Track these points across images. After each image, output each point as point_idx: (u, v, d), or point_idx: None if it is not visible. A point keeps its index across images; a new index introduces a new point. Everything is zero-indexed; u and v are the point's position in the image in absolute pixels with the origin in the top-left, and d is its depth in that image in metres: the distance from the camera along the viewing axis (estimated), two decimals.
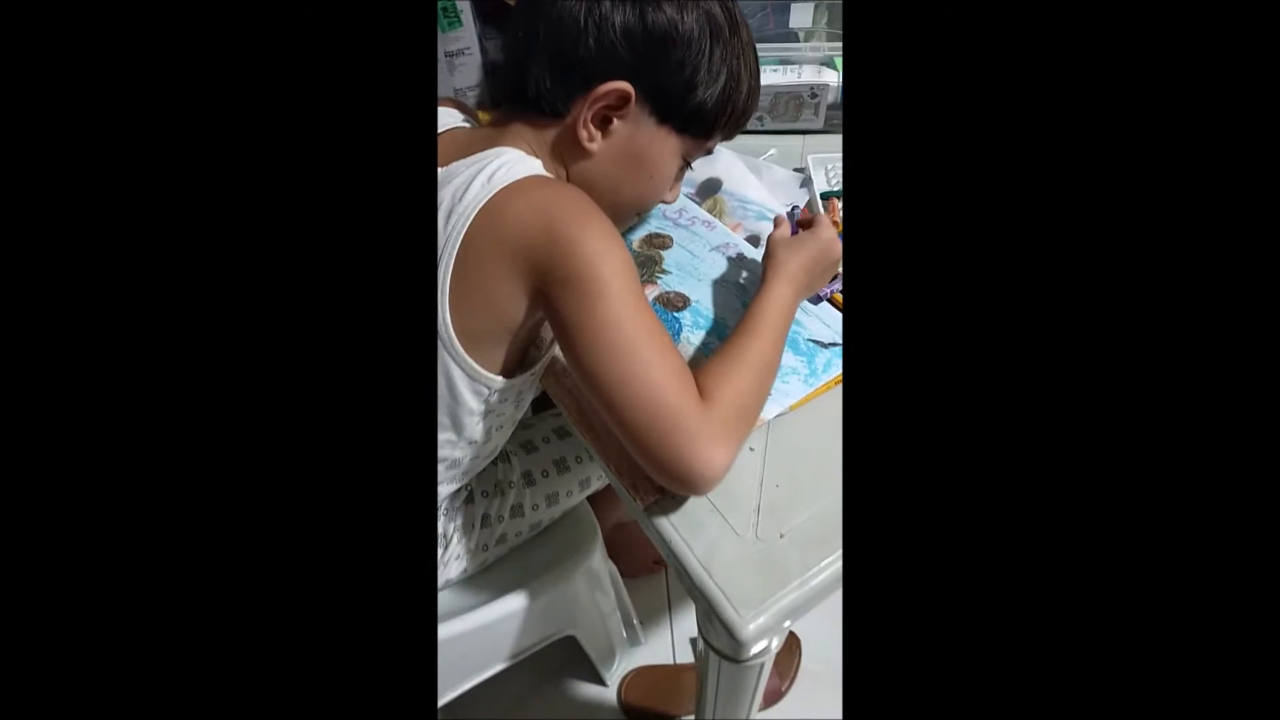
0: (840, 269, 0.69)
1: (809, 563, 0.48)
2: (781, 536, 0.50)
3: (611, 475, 0.55)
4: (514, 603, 0.70)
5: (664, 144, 0.56)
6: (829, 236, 0.61)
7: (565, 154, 0.56)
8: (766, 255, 0.61)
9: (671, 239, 0.73)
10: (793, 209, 0.75)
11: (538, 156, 0.55)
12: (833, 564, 0.48)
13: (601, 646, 0.94)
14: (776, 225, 0.63)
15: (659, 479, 0.48)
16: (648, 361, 0.46)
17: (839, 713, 0.87)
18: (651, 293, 0.67)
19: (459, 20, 1.57)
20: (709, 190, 0.79)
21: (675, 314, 0.65)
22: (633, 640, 1.01)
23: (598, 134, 0.54)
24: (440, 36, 1.50)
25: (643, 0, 0.51)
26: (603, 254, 0.47)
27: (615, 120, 0.54)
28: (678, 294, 0.67)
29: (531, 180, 0.50)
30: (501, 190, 0.48)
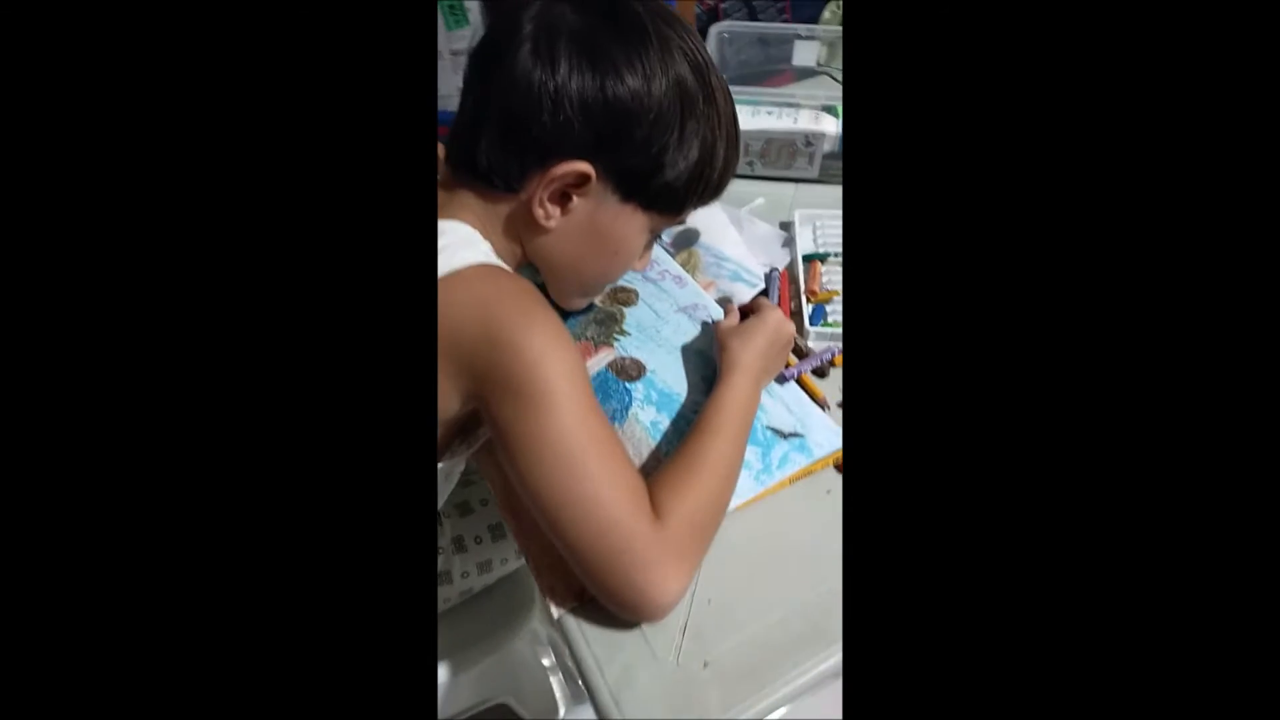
0: (837, 344, 0.63)
1: (729, 701, 0.43)
2: (705, 665, 0.45)
3: (531, 571, 0.50)
4: (438, 675, 0.65)
5: (630, 221, 0.51)
6: (776, 319, 0.57)
7: (521, 230, 0.51)
8: (718, 348, 0.56)
9: (637, 294, 0.67)
10: (771, 271, 0.70)
11: (487, 231, 0.50)
12: (754, 704, 0.43)
13: (545, 705, 0.89)
14: (726, 314, 0.59)
15: (609, 605, 0.44)
16: (596, 478, 0.42)
17: None
18: (606, 356, 0.62)
19: (465, 19, 1.52)
20: (685, 241, 0.73)
21: (628, 384, 0.60)
22: (578, 696, 0.96)
23: (555, 211, 0.49)
24: (445, 35, 1.46)
25: (604, 69, 0.45)
26: (547, 358, 0.42)
27: (575, 197, 0.49)
28: (634, 361, 0.61)
29: (473, 271, 0.45)
30: (440, 279, 0.43)
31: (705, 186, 0.52)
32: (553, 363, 0.42)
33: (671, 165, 0.49)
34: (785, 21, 1.47)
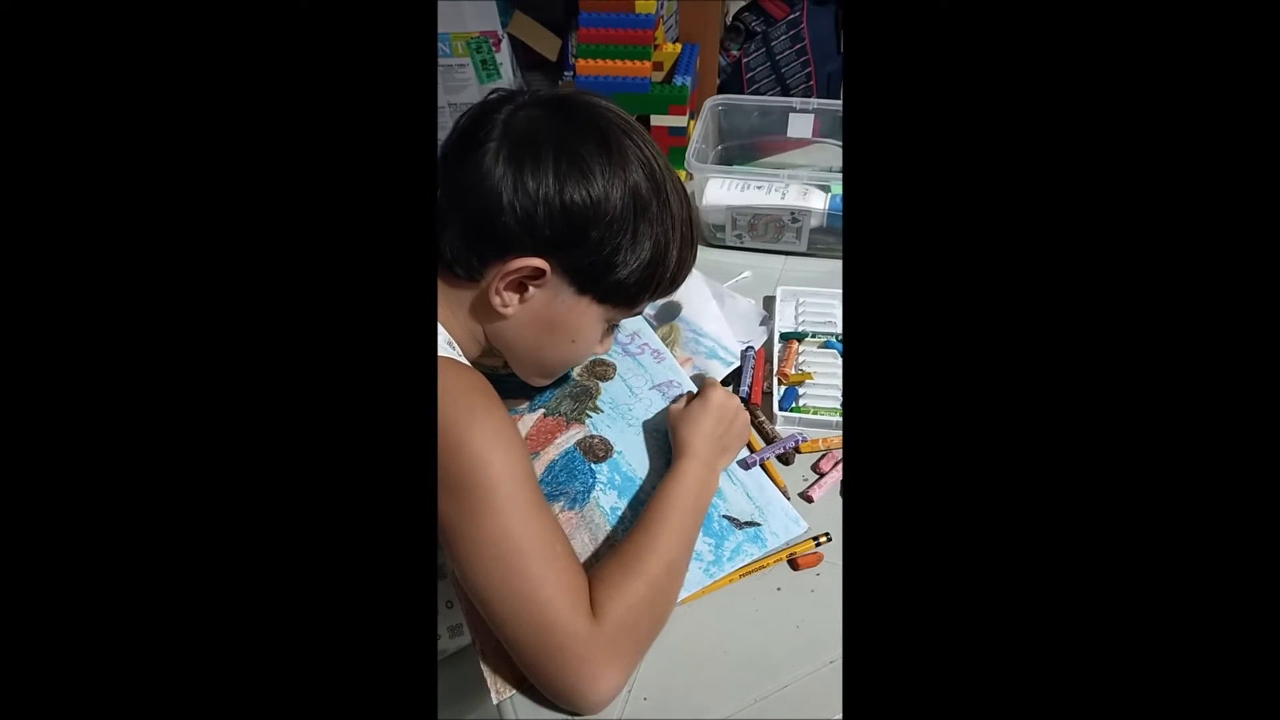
0: (805, 430, 0.63)
1: None
2: None
3: (476, 652, 0.52)
4: None
5: (585, 313, 0.54)
6: (719, 396, 0.58)
7: (481, 315, 0.54)
8: (670, 433, 0.57)
9: (615, 369, 0.69)
10: (747, 349, 0.71)
11: (449, 315, 0.53)
12: None
13: None
14: (676, 400, 0.61)
15: (547, 696, 0.46)
16: (536, 578, 0.44)
17: None
18: (576, 434, 0.63)
19: (497, 72, 1.58)
20: (667, 315, 0.75)
21: (593, 465, 0.61)
22: None
23: (513, 299, 0.52)
24: (479, 88, 1.52)
25: (563, 176, 0.48)
26: (488, 456, 0.44)
27: (531, 287, 0.52)
28: (602, 440, 0.63)
29: None
30: None
31: (658, 284, 0.54)
32: (494, 461, 0.44)
33: (624, 265, 0.51)
34: (808, 75, 1.48)
